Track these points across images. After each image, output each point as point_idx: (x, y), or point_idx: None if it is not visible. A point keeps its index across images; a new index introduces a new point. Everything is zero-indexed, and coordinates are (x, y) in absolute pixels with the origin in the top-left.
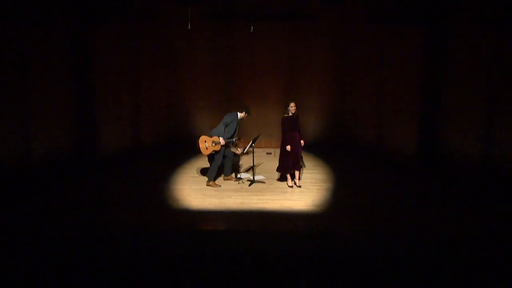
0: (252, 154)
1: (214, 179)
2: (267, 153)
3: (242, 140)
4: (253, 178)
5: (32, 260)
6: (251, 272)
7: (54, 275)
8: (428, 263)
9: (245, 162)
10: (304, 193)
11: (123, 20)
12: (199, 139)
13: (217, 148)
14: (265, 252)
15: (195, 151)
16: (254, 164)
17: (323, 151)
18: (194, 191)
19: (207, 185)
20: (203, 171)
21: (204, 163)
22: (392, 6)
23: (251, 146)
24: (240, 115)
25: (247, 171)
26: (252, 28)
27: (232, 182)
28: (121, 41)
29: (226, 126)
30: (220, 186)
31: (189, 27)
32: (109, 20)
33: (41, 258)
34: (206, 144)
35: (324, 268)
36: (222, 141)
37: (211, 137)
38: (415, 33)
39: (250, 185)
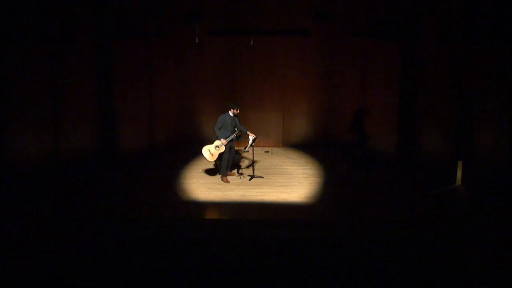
0: (252, 153)
1: (225, 174)
2: (265, 152)
3: (240, 133)
4: (253, 173)
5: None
6: (251, 255)
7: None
8: (402, 243)
9: (245, 160)
10: (297, 186)
11: (139, 36)
12: (202, 151)
13: (222, 149)
14: (263, 238)
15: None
16: (254, 161)
17: (314, 150)
18: (201, 185)
19: (222, 179)
20: (209, 167)
21: None
22: (373, 23)
23: (251, 145)
24: (230, 112)
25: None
26: (252, 42)
27: (234, 177)
28: (138, 54)
29: (220, 128)
30: (230, 182)
31: (196, 41)
32: (127, 36)
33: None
34: (210, 151)
35: (315, 250)
36: (224, 141)
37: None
38: (394, 47)
39: (250, 179)
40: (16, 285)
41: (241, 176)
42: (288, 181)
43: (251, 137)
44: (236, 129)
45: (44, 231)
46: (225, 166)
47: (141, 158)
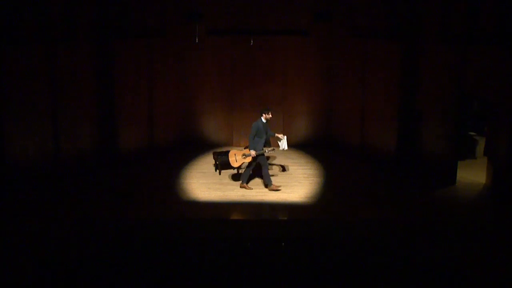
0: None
1: (271, 183)
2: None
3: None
4: (253, 173)
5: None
6: (251, 255)
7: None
8: (402, 243)
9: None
10: (297, 186)
11: (139, 36)
12: (229, 154)
13: (248, 160)
14: (263, 238)
15: (202, 150)
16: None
17: (314, 150)
18: (201, 185)
19: (269, 190)
20: (209, 168)
21: (209, 159)
22: (373, 23)
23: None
24: (263, 118)
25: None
26: (252, 42)
27: (235, 176)
28: (138, 54)
29: (254, 136)
30: (280, 188)
31: (196, 41)
32: (127, 36)
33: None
34: (236, 157)
35: (315, 250)
36: (253, 153)
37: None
38: (394, 47)
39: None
40: (16, 285)
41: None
42: (288, 181)
43: (283, 138)
44: (268, 136)
45: (44, 231)
46: (267, 174)
47: (141, 158)
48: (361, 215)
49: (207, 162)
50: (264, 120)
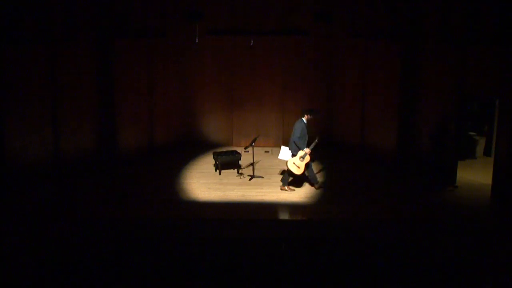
0: (252, 153)
1: (286, 184)
2: (265, 152)
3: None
4: (253, 173)
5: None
6: (251, 255)
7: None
8: (402, 243)
9: (245, 159)
10: (298, 186)
11: (139, 36)
12: (288, 165)
13: (307, 159)
14: (263, 238)
15: (202, 150)
16: (254, 161)
17: (314, 149)
18: (201, 185)
19: (281, 189)
20: (209, 168)
21: (209, 159)
22: (373, 23)
23: (251, 145)
24: (305, 119)
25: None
26: (252, 41)
27: (235, 176)
28: (138, 54)
29: (299, 137)
30: (294, 190)
31: (196, 41)
32: (128, 36)
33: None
34: (296, 164)
35: (314, 249)
36: (308, 150)
37: (295, 156)
38: (394, 47)
39: (250, 179)
40: (16, 285)
41: (241, 176)
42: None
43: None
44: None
45: (44, 231)
46: (313, 175)
47: (141, 158)
48: (361, 215)
49: (207, 162)
50: (305, 121)
